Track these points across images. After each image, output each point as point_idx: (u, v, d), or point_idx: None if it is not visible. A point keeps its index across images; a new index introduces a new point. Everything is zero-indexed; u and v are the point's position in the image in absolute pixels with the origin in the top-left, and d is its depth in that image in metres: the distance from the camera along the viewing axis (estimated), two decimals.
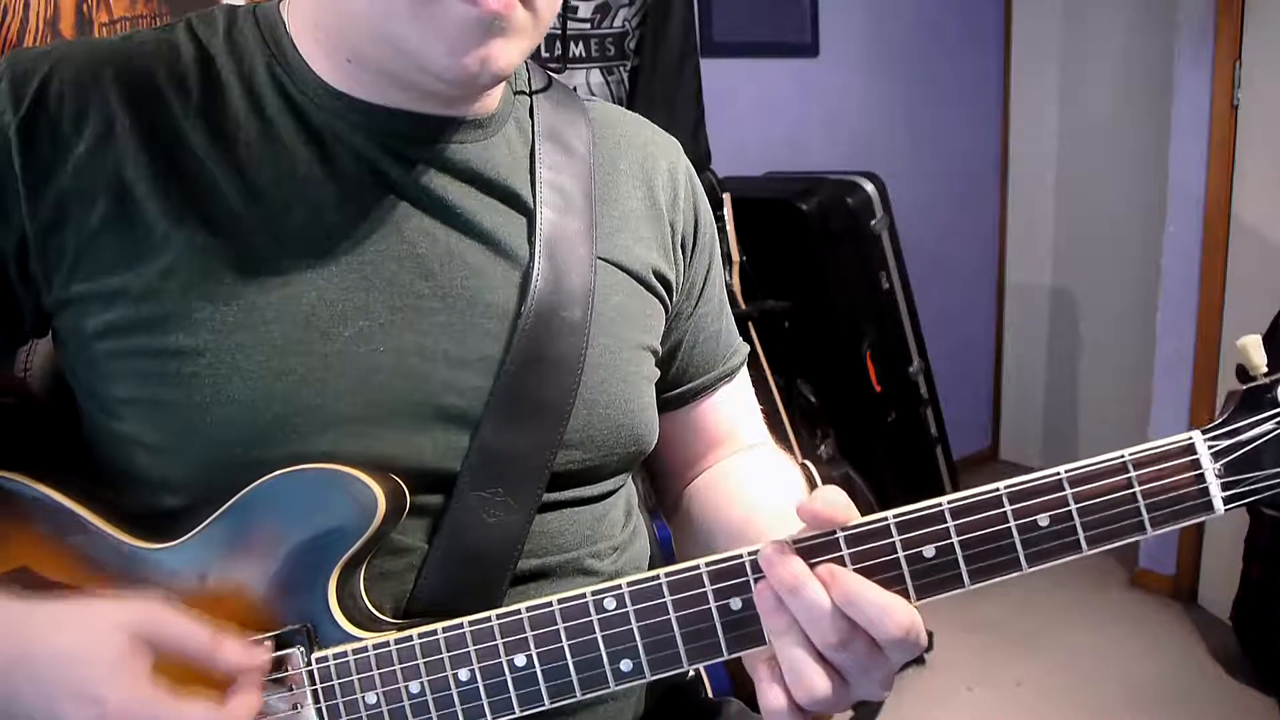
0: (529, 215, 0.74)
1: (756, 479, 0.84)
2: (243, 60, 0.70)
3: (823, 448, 2.42)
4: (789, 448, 2.14)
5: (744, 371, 0.92)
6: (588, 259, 0.74)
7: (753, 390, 0.93)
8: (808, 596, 0.56)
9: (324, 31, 0.68)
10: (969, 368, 3.68)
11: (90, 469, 0.71)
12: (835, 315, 2.56)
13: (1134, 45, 3.19)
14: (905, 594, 0.57)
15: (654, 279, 0.79)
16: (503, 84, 0.78)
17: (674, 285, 0.82)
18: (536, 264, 0.71)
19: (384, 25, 0.63)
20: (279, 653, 0.63)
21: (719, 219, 2.19)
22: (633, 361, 0.76)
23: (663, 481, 0.92)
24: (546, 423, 0.70)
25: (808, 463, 2.09)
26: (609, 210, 0.78)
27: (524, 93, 0.80)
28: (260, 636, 0.63)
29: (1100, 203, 3.39)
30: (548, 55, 2.00)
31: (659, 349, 0.80)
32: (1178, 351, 2.71)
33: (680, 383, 0.86)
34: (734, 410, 0.90)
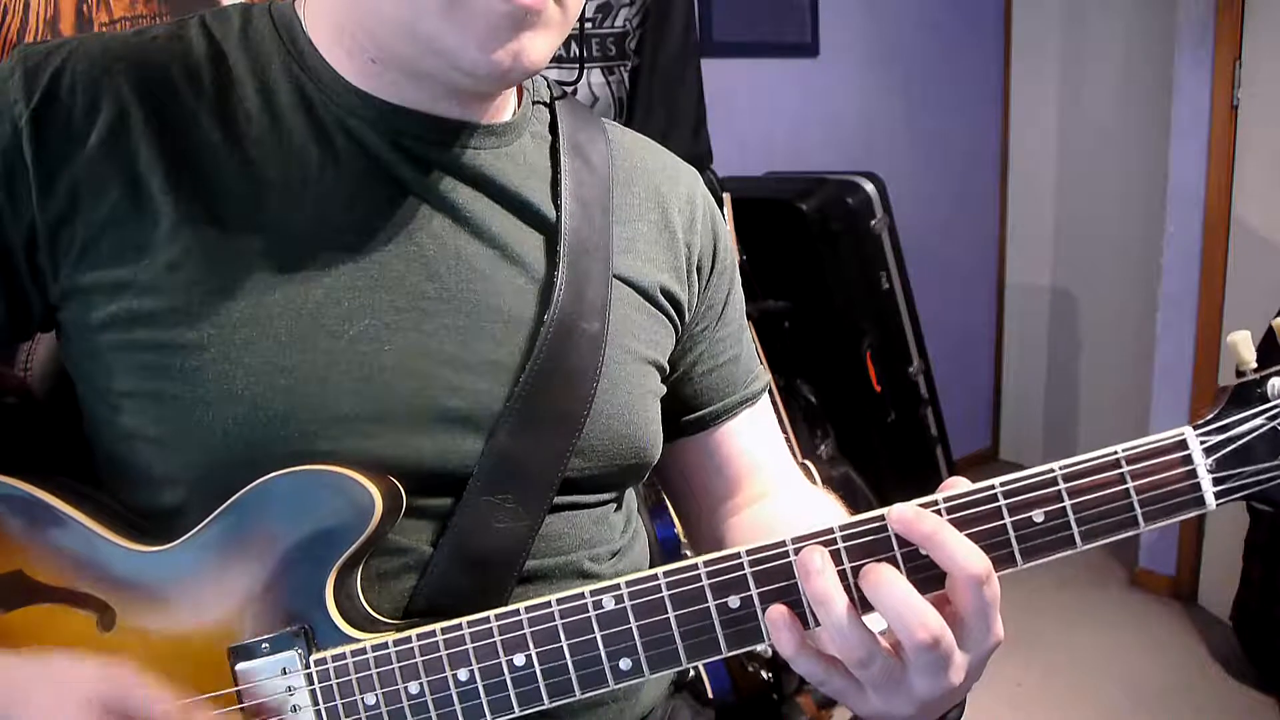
0: (543, 225, 0.74)
1: (811, 518, 0.84)
2: (257, 57, 0.70)
3: (823, 448, 2.42)
4: (789, 448, 2.14)
5: (767, 401, 0.91)
6: (605, 272, 0.74)
7: (777, 422, 0.92)
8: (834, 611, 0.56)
9: (347, 32, 0.68)
10: (969, 368, 3.68)
11: (90, 468, 0.71)
12: (835, 315, 2.56)
13: (1134, 45, 3.19)
14: None
15: (662, 297, 0.79)
16: (519, 92, 0.78)
17: (685, 306, 0.82)
18: (560, 274, 0.71)
19: (415, 24, 0.63)
20: (275, 656, 0.63)
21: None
22: (638, 375, 0.76)
23: (693, 520, 0.91)
24: (562, 431, 0.70)
25: (808, 463, 2.09)
26: (620, 231, 0.78)
27: (542, 102, 0.80)
28: (258, 639, 0.63)
29: (1100, 203, 3.39)
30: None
31: (665, 366, 0.80)
32: (1178, 351, 2.71)
33: (700, 406, 0.85)
34: (758, 439, 0.89)
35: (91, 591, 0.66)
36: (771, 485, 0.89)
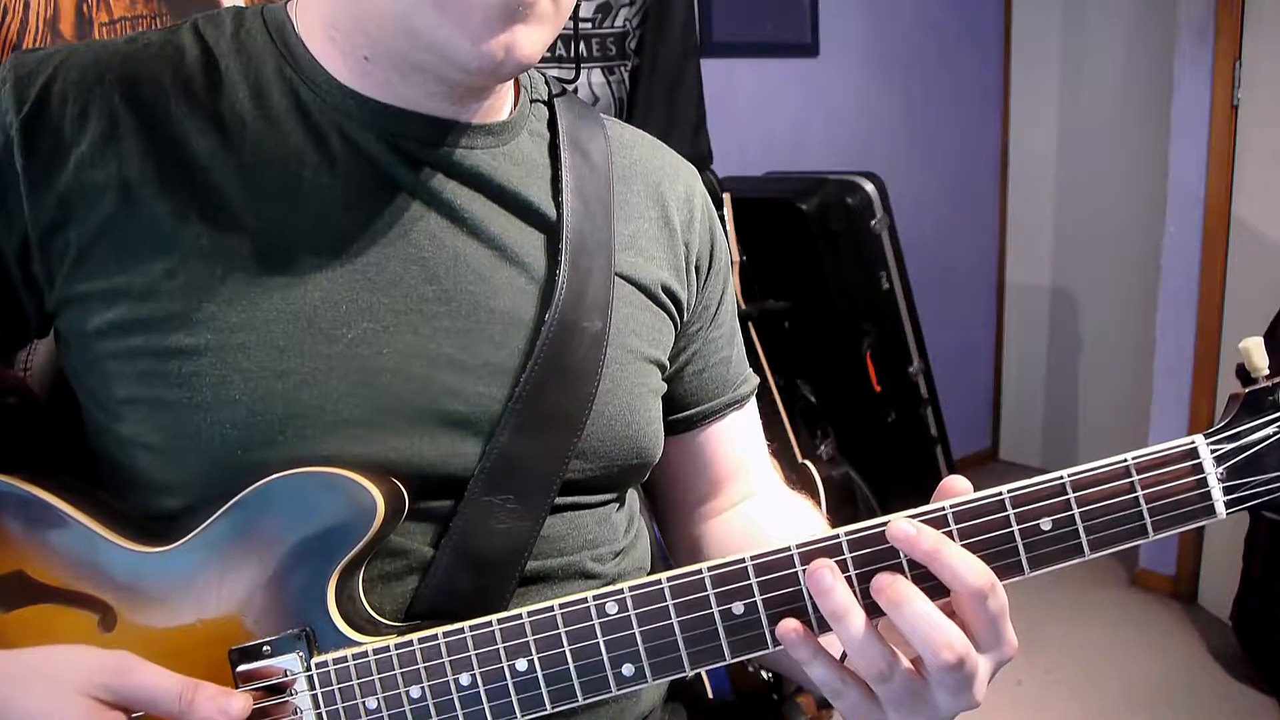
0: (543, 224, 0.73)
1: (793, 522, 0.85)
2: (250, 61, 0.70)
3: (823, 448, 2.42)
4: (789, 448, 2.14)
5: (754, 406, 0.91)
6: (607, 270, 0.74)
7: (762, 429, 0.93)
8: (852, 626, 0.56)
9: (340, 30, 0.68)
10: (969, 368, 3.68)
11: (91, 470, 0.71)
12: (835, 315, 2.56)
13: (1134, 45, 3.19)
14: None
15: (663, 295, 0.79)
16: (516, 90, 0.78)
17: (684, 304, 0.82)
18: (562, 272, 0.71)
19: (408, 17, 0.63)
20: (277, 659, 0.63)
21: (719, 219, 2.20)
22: (640, 374, 0.76)
23: (671, 520, 0.91)
24: (562, 432, 0.69)
25: (808, 463, 2.09)
26: (621, 228, 0.78)
27: (541, 100, 0.80)
28: (259, 641, 0.63)
29: (1100, 203, 3.39)
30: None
31: (666, 364, 0.80)
32: (1178, 351, 2.71)
33: (689, 405, 0.85)
34: (742, 443, 0.89)
35: (93, 592, 0.65)
36: (751, 489, 0.89)
